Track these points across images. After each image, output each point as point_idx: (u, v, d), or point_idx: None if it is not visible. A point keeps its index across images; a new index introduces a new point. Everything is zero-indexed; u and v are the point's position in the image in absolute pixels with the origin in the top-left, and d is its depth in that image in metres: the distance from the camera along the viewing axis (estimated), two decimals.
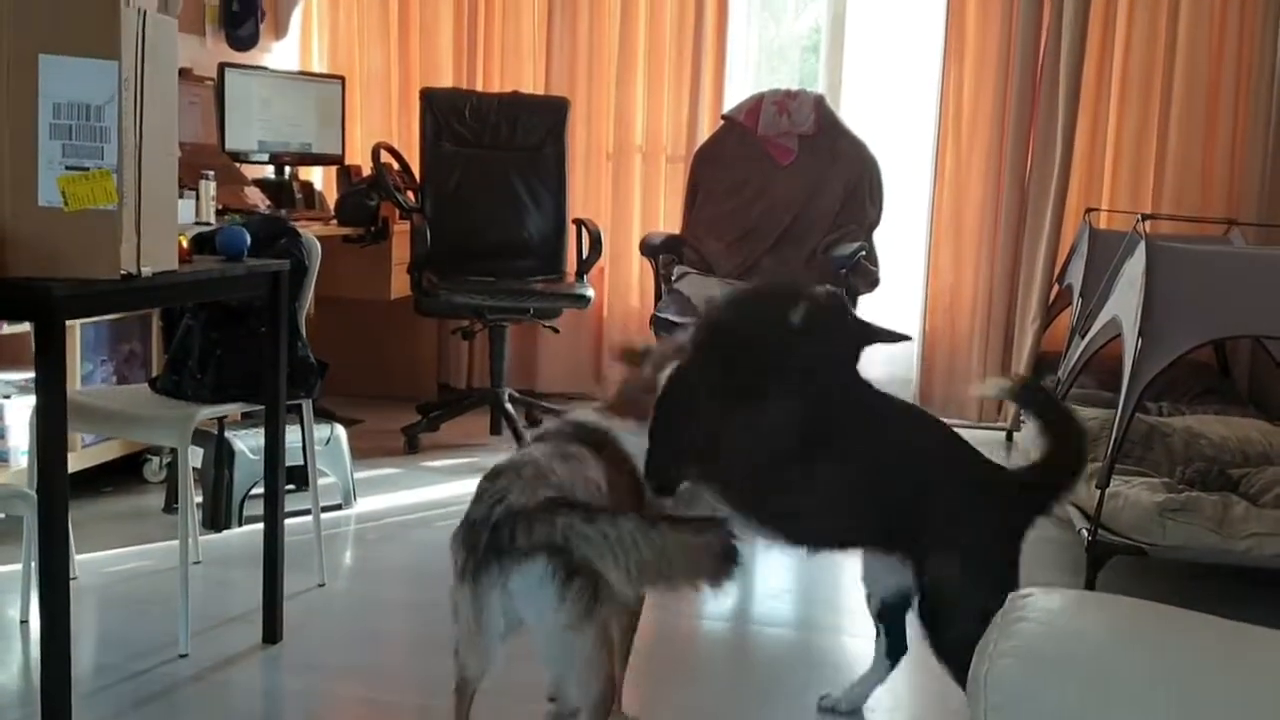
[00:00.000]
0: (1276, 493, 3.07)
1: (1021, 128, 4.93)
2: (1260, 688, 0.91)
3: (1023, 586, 1.06)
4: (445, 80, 5.25)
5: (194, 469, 3.37)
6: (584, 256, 4.72)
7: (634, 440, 2.04)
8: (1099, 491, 2.93)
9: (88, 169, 1.91)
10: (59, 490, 1.91)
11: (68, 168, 1.90)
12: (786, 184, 4.42)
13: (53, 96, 1.88)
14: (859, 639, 2.74)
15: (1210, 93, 4.85)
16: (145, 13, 1.97)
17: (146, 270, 2.04)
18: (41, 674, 1.99)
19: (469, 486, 1.87)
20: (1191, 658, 0.94)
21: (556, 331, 4.89)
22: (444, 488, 3.90)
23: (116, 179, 1.93)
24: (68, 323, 2.63)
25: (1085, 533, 2.93)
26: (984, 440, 4.97)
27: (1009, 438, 4.95)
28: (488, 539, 1.70)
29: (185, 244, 2.33)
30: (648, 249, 4.24)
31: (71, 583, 2.82)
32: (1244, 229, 4.35)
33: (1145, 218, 3.46)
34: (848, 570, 3.29)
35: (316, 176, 5.26)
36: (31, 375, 2.04)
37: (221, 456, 3.39)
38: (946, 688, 2.05)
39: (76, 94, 1.88)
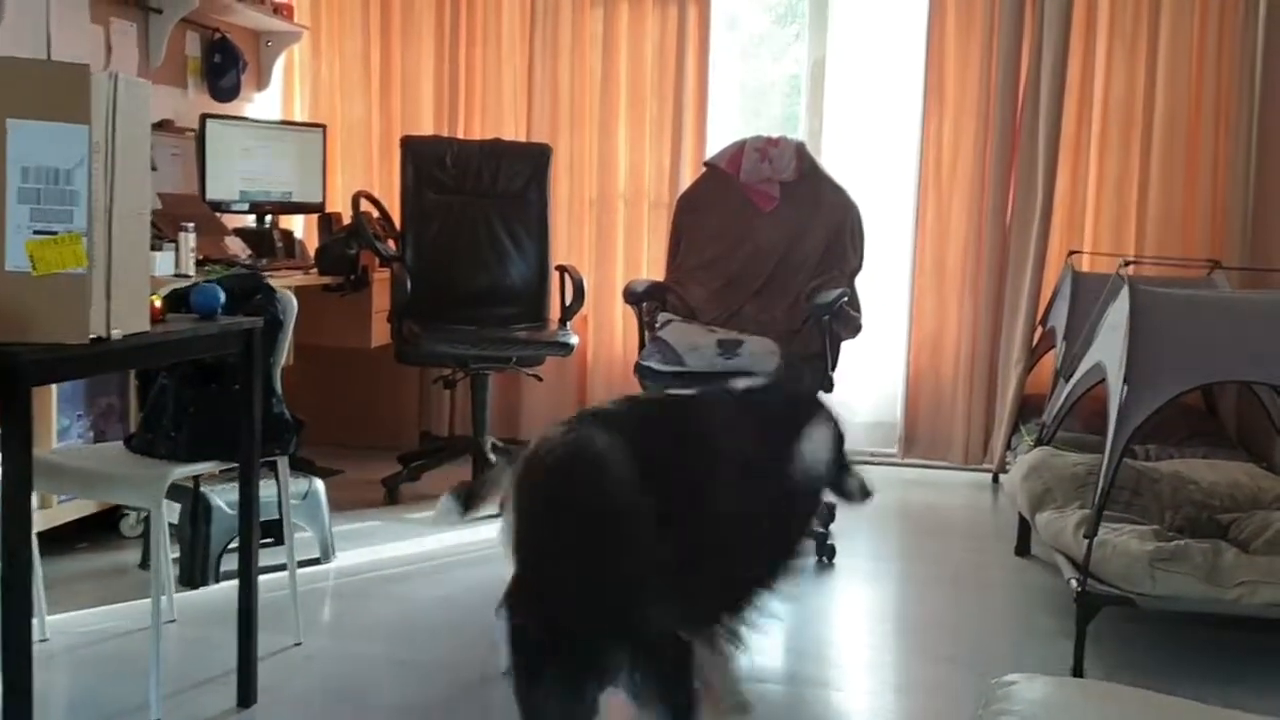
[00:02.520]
0: (1266, 538, 3.05)
1: (1002, 171, 4.95)
2: None
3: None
4: (426, 129, 5.24)
5: (170, 525, 3.32)
6: (567, 304, 4.70)
7: None
8: (1087, 541, 2.90)
9: (56, 233, 1.88)
10: (22, 561, 1.87)
11: (36, 232, 1.88)
12: (769, 231, 4.41)
13: (21, 161, 1.86)
14: (845, 693, 2.70)
15: (1190, 135, 4.87)
16: (118, 76, 1.95)
17: (116, 333, 2.01)
18: None
19: (451, 538, 1.83)
20: None
21: (540, 379, 4.86)
22: (425, 540, 3.81)
23: (86, 242, 1.90)
24: None
25: (1074, 583, 2.90)
26: (970, 482, 5.01)
27: (995, 479, 4.93)
28: None
29: (158, 303, 2.30)
30: (631, 296, 4.21)
31: (41, 645, 2.79)
32: (1227, 272, 4.36)
33: (1128, 262, 3.46)
34: (835, 625, 3.26)
35: (297, 225, 5.24)
36: None
37: (198, 512, 3.34)
38: None
39: (45, 158, 1.86)
